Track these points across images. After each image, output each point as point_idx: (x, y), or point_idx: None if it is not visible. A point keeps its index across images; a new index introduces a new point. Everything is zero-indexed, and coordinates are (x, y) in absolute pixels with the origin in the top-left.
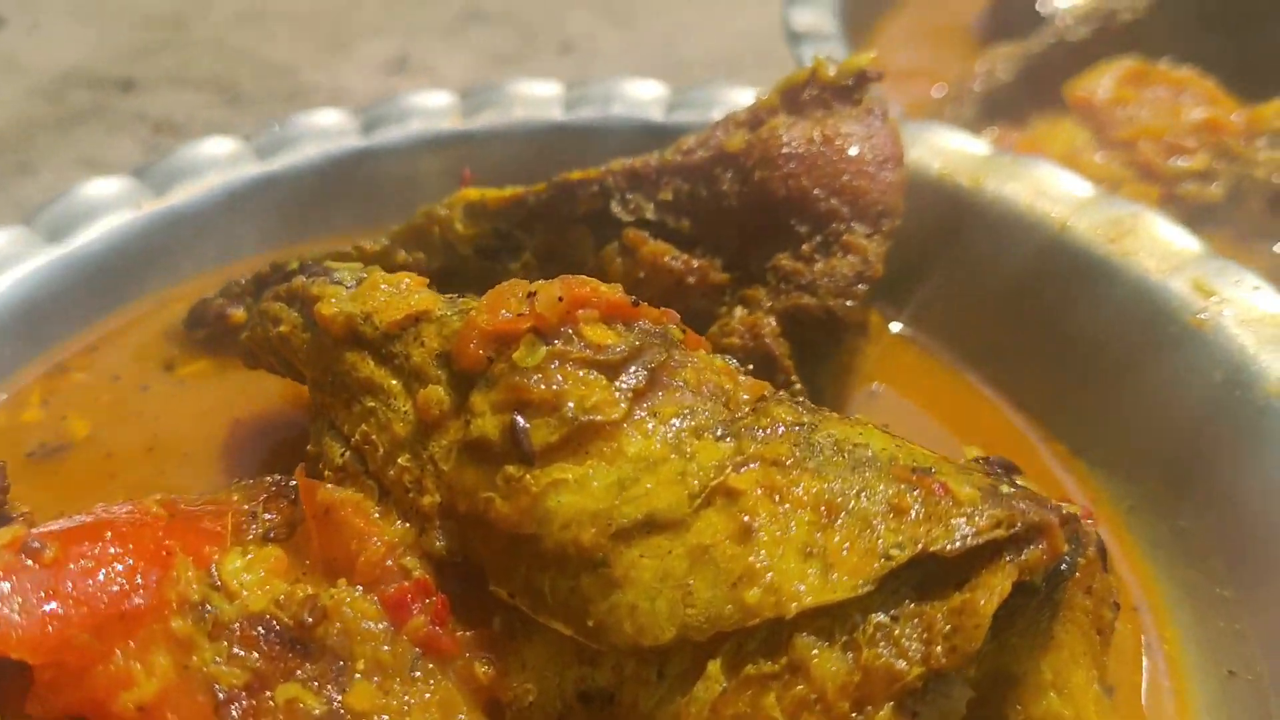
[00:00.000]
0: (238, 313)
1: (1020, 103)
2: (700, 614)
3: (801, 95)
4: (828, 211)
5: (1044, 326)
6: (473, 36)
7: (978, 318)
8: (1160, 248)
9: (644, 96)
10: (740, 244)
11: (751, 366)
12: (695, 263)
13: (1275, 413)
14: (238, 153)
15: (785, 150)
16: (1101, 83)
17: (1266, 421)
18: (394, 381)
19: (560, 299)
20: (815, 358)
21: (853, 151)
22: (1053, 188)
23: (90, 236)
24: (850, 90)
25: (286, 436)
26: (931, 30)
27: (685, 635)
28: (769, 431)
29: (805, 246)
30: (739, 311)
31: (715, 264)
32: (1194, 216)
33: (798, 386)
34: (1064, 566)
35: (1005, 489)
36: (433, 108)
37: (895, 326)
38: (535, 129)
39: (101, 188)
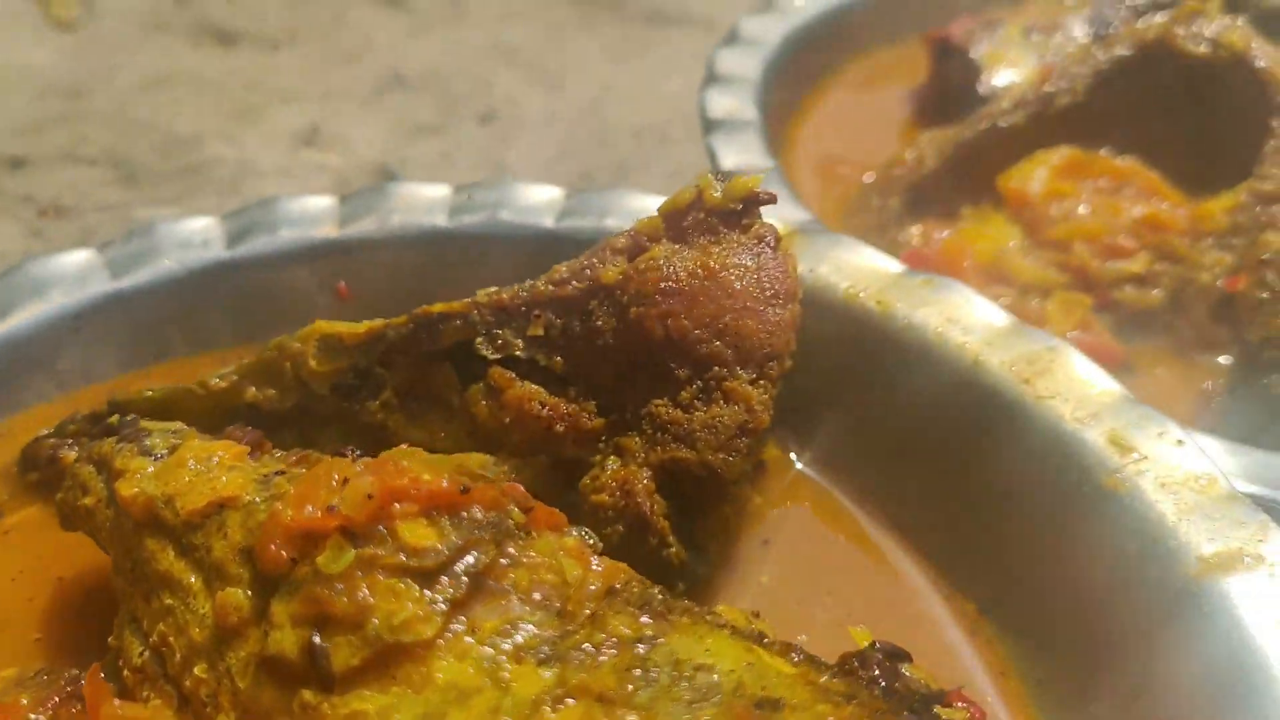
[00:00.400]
0: (71, 455)
1: (951, 194)
2: None
3: (685, 219)
4: (709, 354)
5: (953, 472)
6: (391, 104)
7: (883, 458)
8: (1077, 391)
9: (535, 201)
10: (617, 386)
11: (622, 528)
12: (565, 408)
13: (1193, 599)
14: (88, 266)
15: (664, 285)
16: (1036, 174)
17: (1183, 609)
18: (193, 578)
19: (370, 496)
20: (695, 515)
21: (738, 286)
22: (966, 315)
23: None
24: (738, 215)
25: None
26: (865, 109)
27: None
28: (599, 652)
29: (684, 393)
30: (612, 464)
31: (590, 408)
32: (1132, 324)
33: (673, 550)
34: None
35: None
36: (307, 213)
37: (796, 463)
38: (417, 237)
39: None
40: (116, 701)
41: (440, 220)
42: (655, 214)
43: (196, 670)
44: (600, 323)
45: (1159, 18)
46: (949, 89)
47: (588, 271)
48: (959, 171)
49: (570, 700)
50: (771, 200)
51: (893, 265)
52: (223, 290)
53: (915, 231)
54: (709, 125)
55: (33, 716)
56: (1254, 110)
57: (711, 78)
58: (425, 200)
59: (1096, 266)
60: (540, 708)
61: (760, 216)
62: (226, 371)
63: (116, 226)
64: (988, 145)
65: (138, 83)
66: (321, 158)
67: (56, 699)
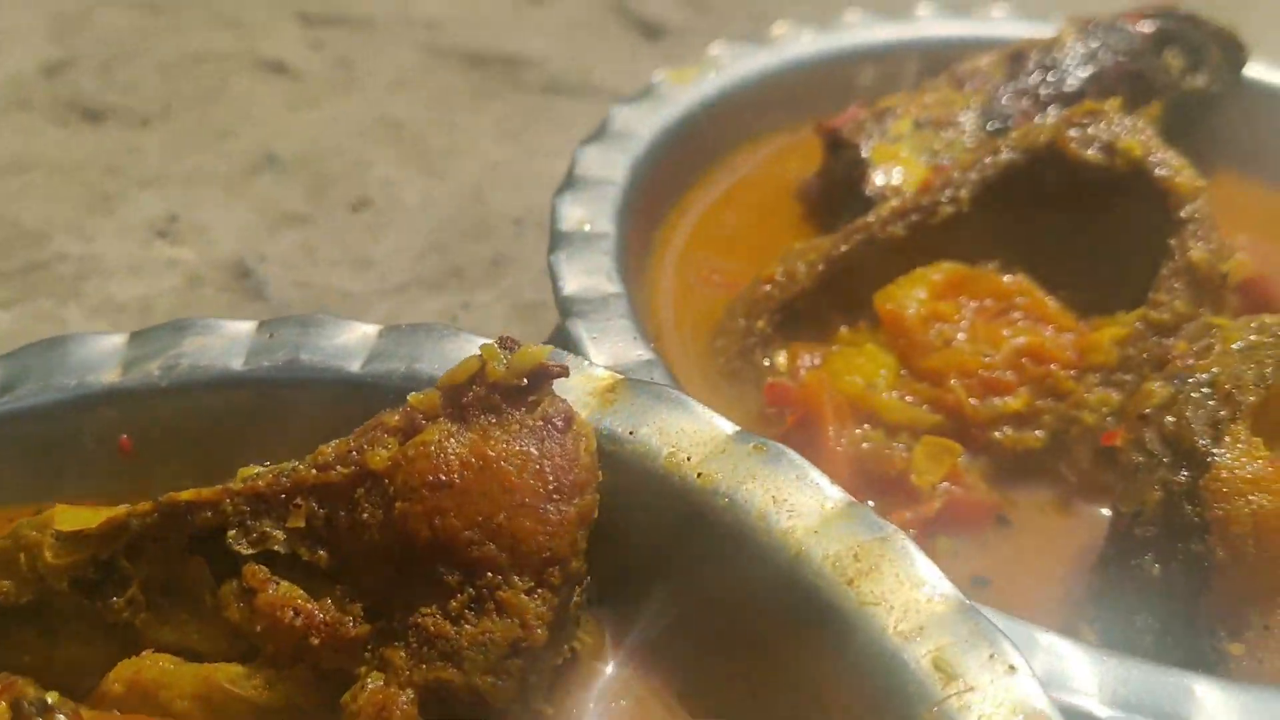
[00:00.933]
0: None
1: (826, 313)
2: None
3: (466, 395)
4: (480, 559)
5: (774, 680)
6: (260, 187)
7: (704, 654)
8: (905, 597)
9: (343, 341)
10: (387, 587)
11: None
12: (323, 616)
13: None
14: None
15: (433, 477)
16: (914, 294)
17: None
18: None
19: None
20: None
21: (516, 479)
22: (796, 494)
23: None
24: (524, 391)
25: None
26: (753, 209)
27: None
28: None
29: (455, 601)
30: (373, 680)
31: (355, 611)
32: (1011, 469)
33: None
34: None
35: None
36: (90, 356)
37: (609, 660)
38: (208, 383)
39: None
40: None
41: (236, 363)
42: (434, 388)
43: None
44: (366, 516)
45: (1053, 113)
46: (836, 187)
47: (355, 455)
48: (834, 288)
49: None
50: (563, 374)
51: (725, 427)
52: None
53: (781, 359)
54: (555, 239)
55: None
56: (1153, 225)
57: (569, 181)
58: (224, 340)
59: (972, 405)
60: None
61: (550, 392)
62: None
63: None
64: (865, 259)
65: None
66: (174, 252)
67: None
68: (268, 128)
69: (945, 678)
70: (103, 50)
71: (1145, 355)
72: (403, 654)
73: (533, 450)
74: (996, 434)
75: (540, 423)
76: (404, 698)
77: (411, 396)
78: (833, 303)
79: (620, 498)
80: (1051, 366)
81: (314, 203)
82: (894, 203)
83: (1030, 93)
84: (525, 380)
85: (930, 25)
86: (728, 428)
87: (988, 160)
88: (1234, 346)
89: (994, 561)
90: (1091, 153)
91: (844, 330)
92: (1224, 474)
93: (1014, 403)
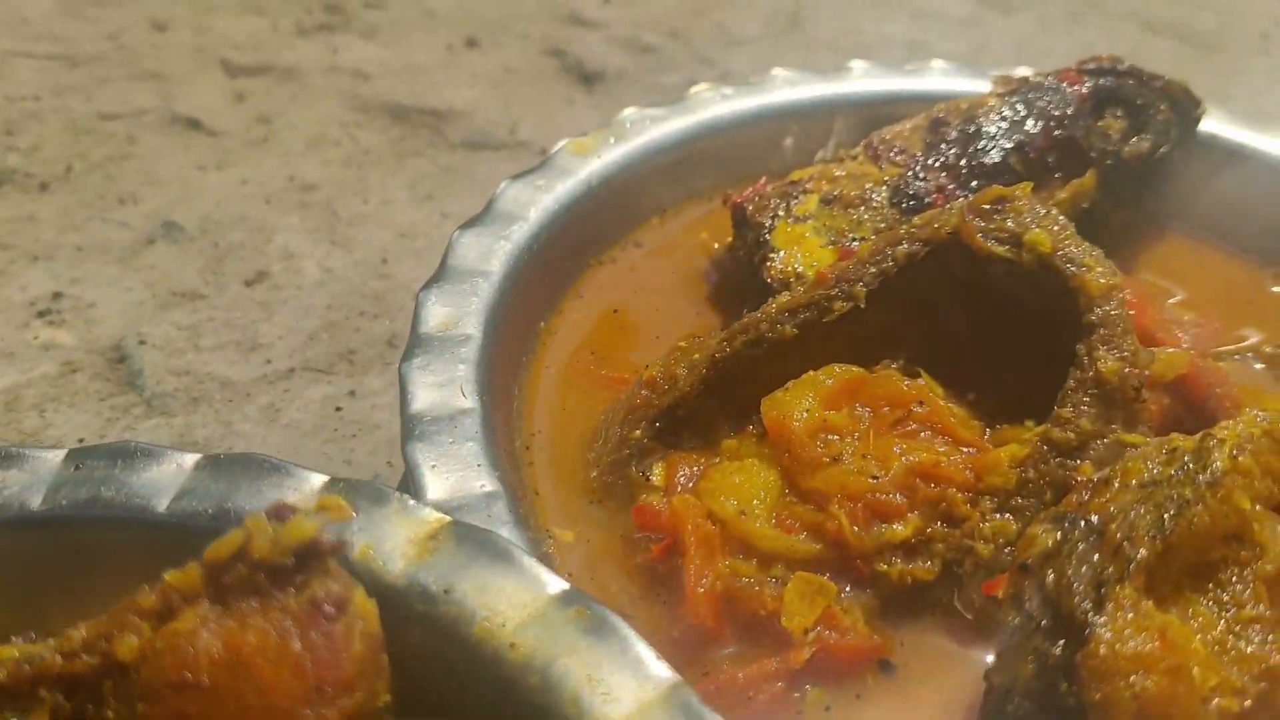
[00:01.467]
0: None
1: (712, 419)
2: None
3: (227, 575)
4: None
5: None
6: (154, 259)
7: None
8: None
9: (155, 475)
10: None
11: None
12: None
13: None
14: None
15: (177, 676)
16: (803, 401)
17: None
18: None
19: None
20: None
21: (273, 677)
22: (614, 673)
23: None
24: (292, 571)
25: None
26: (654, 292)
27: None
28: None
29: None
30: None
31: None
32: (898, 605)
33: None
34: None
35: None
36: None
37: None
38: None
39: None
40: None
41: (34, 501)
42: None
43: None
44: (112, 715)
45: (977, 187)
46: (741, 269)
47: (103, 643)
48: (720, 392)
49: None
50: (337, 551)
51: (550, 586)
52: None
53: (658, 473)
54: (411, 343)
55: None
56: (1067, 325)
57: (439, 273)
58: (26, 473)
59: (855, 533)
60: None
61: (323, 571)
62: None
63: None
64: (754, 361)
65: None
66: (52, 334)
67: None
68: (172, 192)
69: None
70: (9, 108)
71: (1045, 480)
72: None
73: (294, 643)
74: (883, 565)
75: (308, 608)
76: None
77: (168, 574)
78: (720, 408)
79: (432, 664)
80: (946, 488)
81: (208, 276)
82: (784, 298)
83: (950, 167)
84: (293, 558)
85: (860, 82)
86: (553, 587)
87: (887, 251)
88: (1134, 482)
89: (874, 715)
90: (996, 245)
91: (729, 441)
92: (1104, 649)
93: (903, 530)
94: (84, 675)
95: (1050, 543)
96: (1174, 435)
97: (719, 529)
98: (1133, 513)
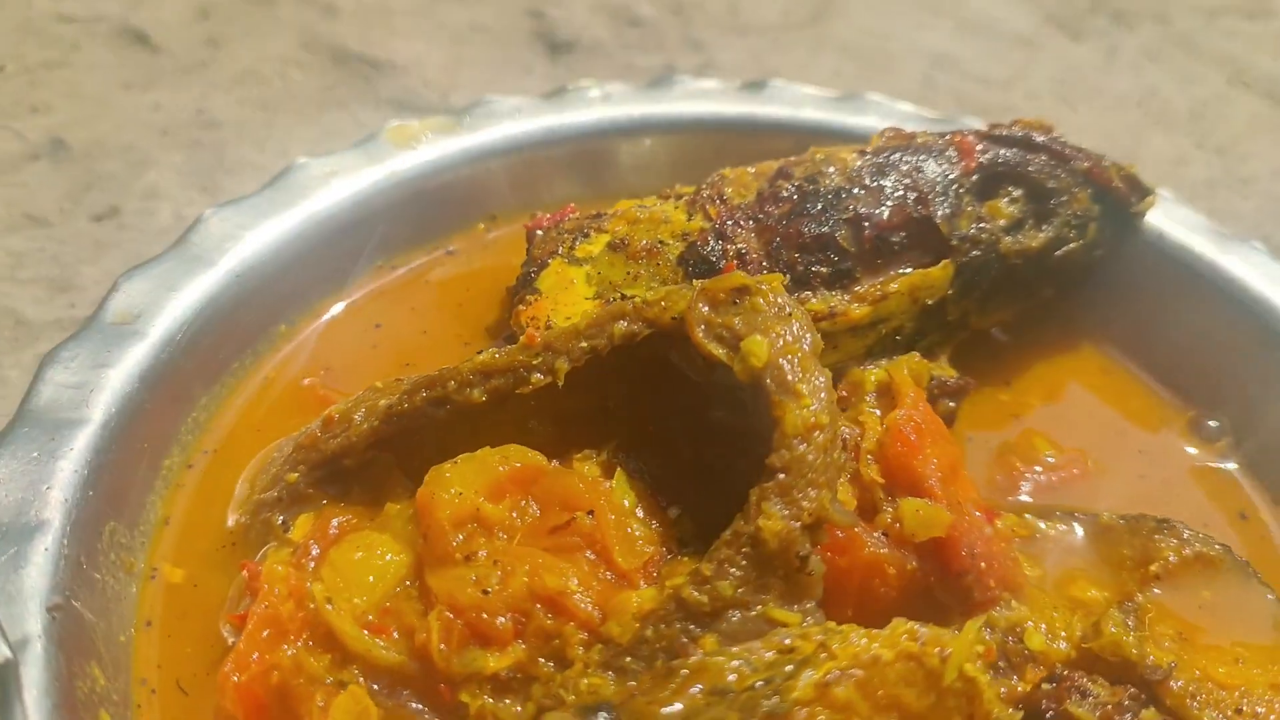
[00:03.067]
0: None
1: (384, 476)
2: None
3: None
4: None
5: None
6: (26, 178)
7: None
8: None
9: None
10: None
11: None
12: None
13: None
14: None
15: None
16: (467, 481)
17: None
18: None
19: None
20: None
21: None
22: None
23: None
24: None
25: None
26: (440, 308)
27: None
28: None
29: None
30: None
31: None
32: None
33: None
34: None
35: None
36: None
37: None
38: None
39: None
40: None
41: None
42: None
43: None
44: None
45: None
46: (515, 298)
47: None
48: (397, 449)
49: None
50: None
51: None
52: None
53: (302, 526)
54: (78, 331)
55: None
56: (759, 445)
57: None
58: None
59: (443, 653)
60: None
61: None
62: None
63: None
64: (436, 420)
65: None
66: None
67: None
68: (83, 109)
69: None
70: None
71: (661, 645)
72: None
73: None
74: (466, 696)
75: None
76: None
77: None
78: (398, 464)
79: None
80: (566, 623)
81: (65, 204)
82: (482, 357)
83: (764, 229)
84: None
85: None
86: None
87: (607, 326)
88: (702, 686)
89: None
90: (715, 345)
91: (393, 505)
92: None
93: (498, 661)
94: None
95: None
96: (798, 632)
97: (304, 609)
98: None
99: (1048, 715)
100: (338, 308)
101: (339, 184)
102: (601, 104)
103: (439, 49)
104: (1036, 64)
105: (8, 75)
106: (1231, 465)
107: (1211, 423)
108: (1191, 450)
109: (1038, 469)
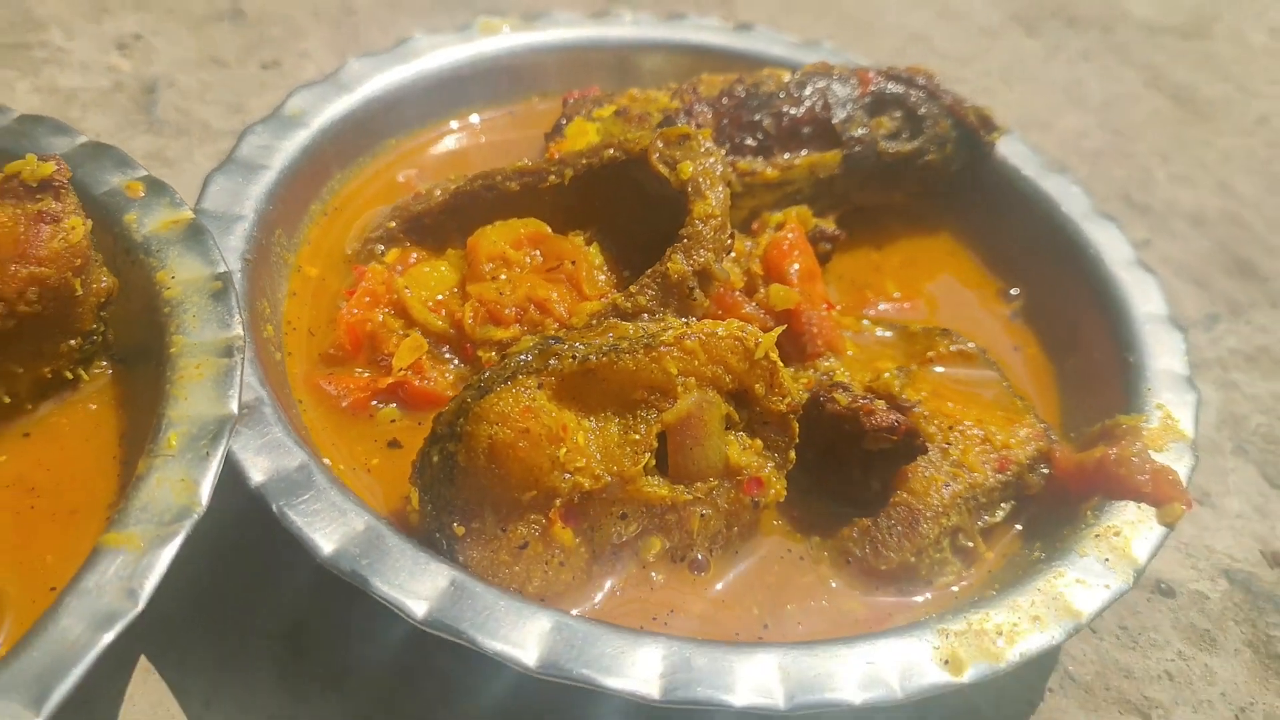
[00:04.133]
0: None
1: (445, 231)
2: None
3: (10, 183)
4: None
5: None
6: (212, 33)
7: None
8: None
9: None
10: None
11: None
12: None
13: None
14: None
15: None
16: (500, 236)
17: None
18: None
19: None
20: None
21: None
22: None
23: None
24: (36, 191)
25: None
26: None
27: None
28: None
29: None
30: None
31: None
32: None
33: None
34: None
35: None
36: None
37: None
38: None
39: None
40: None
41: None
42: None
43: None
44: None
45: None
46: (547, 142)
47: None
48: (458, 214)
49: None
50: (63, 180)
51: (218, 266)
52: None
53: (391, 253)
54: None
55: None
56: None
57: (271, 115)
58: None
59: (471, 324)
60: None
61: (59, 197)
62: None
63: None
64: (485, 200)
65: None
66: (118, 62)
67: None
68: None
69: None
70: None
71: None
72: None
73: (21, 226)
74: (482, 352)
75: (37, 213)
76: None
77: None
78: (455, 224)
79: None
80: (546, 318)
81: (241, 54)
82: (519, 163)
83: (718, 112)
84: (37, 184)
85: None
86: (215, 268)
87: (599, 152)
88: (610, 335)
89: (414, 431)
90: (663, 166)
91: (451, 251)
92: (487, 403)
93: (503, 333)
94: None
95: (527, 345)
96: (676, 321)
97: (390, 295)
98: (578, 344)
99: (819, 398)
100: (431, 134)
101: (442, 53)
102: (631, 26)
103: None
104: (992, 50)
105: None
106: (1019, 319)
107: (1013, 290)
108: (998, 308)
109: (884, 303)
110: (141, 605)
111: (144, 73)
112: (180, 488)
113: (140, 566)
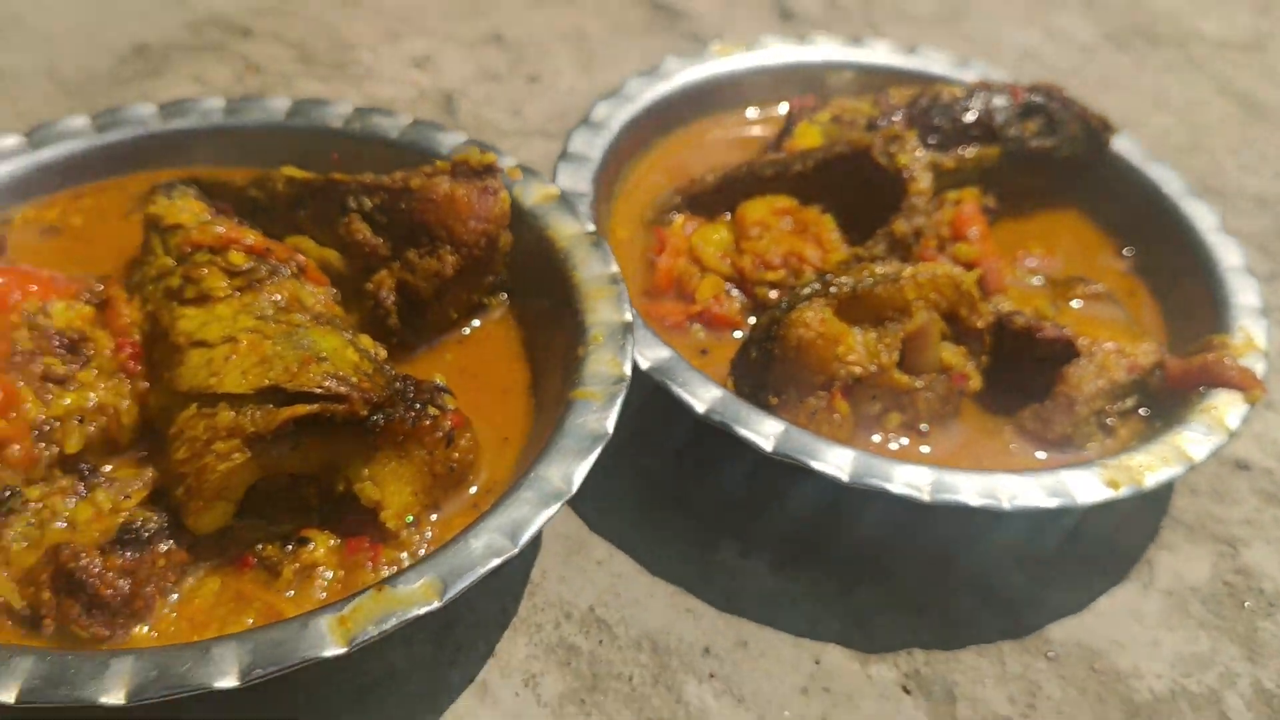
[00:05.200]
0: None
1: (716, 204)
2: None
3: (460, 168)
4: (435, 238)
5: None
6: (482, 54)
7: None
8: None
9: (388, 125)
10: (397, 238)
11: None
12: (375, 240)
13: None
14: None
15: (430, 196)
16: (762, 207)
17: None
18: (161, 256)
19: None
20: (415, 312)
21: (461, 206)
22: (600, 268)
23: None
24: (480, 173)
25: None
26: (738, 145)
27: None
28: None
29: (422, 251)
30: (383, 272)
31: (384, 244)
32: (759, 309)
33: (393, 323)
34: (373, 420)
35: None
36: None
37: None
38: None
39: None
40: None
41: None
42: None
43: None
44: (402, 204)
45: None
46: (779, 141)
47: (413, 178)
48: (726, 192)
49: (258, 322)
50: (495, 170)
51: (587, 227)
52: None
53: (679, 219)
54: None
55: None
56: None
57: (583, 121)
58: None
59: (749, 269)
60: (242, 319)
61: (495, 176)
62: (244, 181)
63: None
64: (748, 181)
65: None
66: (418, 77)
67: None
68: (512, 16)
69: None
70: None
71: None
72: (395, 266)
73: (475, 196)
74: (759, 290)
75: (484, 187)
76: (391, 281)
77: (439, 163)
78: (723, 201)
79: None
80: (804, 264)
81: (519, 70)
82: (772, 155)
83: (908, 117)
84: (482, 168)
85: (918, 60)
86: (587, 228)
87: (832, 148)
88: (853, 273)
89: (719, 344)
90: (881, 157)
91: (724, 217)
92: (794, 315)
93: (773, 275)
94: (394, 187)
95: (810, 280)
96: (908, 266)
97: (688, 249)
98: (845, 280)
99: (1003, 319)
100: (685, 134)
101: (689, 71)
102: (826, 49)
103: (716, 6)
104: (1091, 64)
105: None
106: (1131, 271)
107: (1125, 250)
108: (1115, 263)
109: (1030, 259)
110: (609, 433)
111: (440, 85)
112: (611, 364)
113: (604, 409)
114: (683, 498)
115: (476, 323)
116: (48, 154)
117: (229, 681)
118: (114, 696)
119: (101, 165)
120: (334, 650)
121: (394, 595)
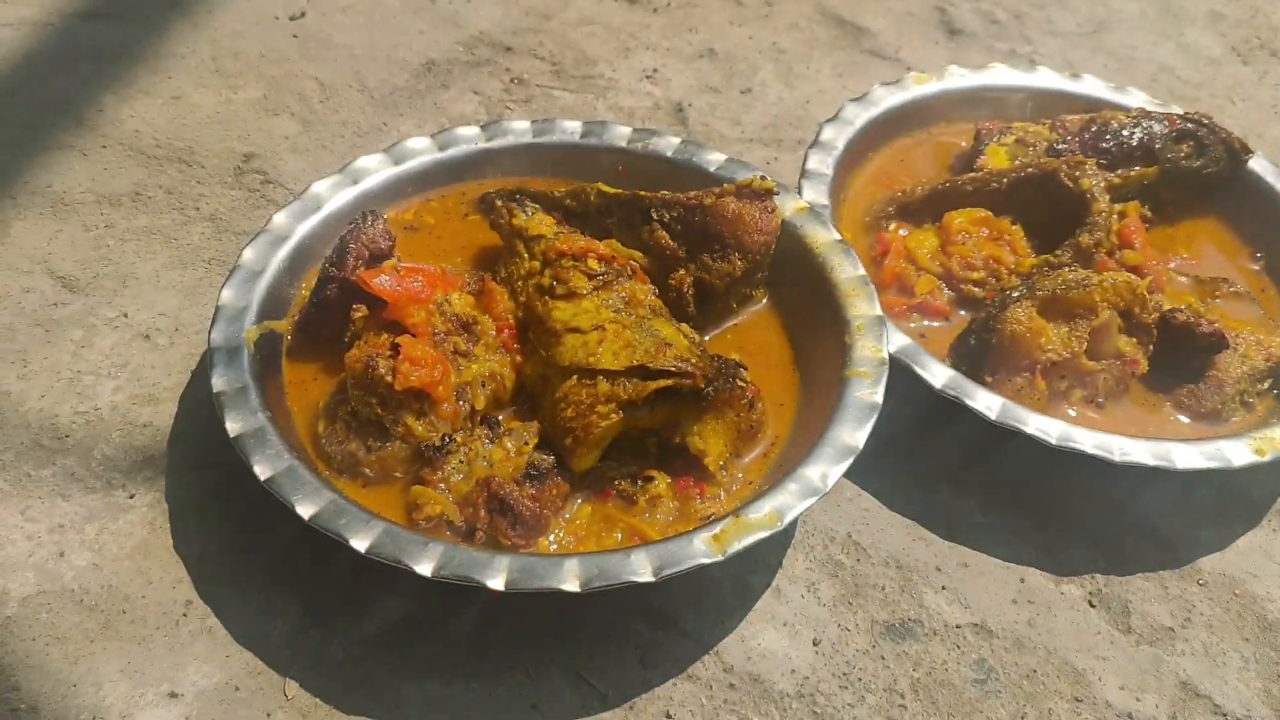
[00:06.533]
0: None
1: (923, 214)
2: None
3: (744, 190)
4: (726, 245)
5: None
6: (697, 68)
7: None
8: None
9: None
10: (691, 243)
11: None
12: (674, 245)
13: None
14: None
15: (722, 213)
16: (963, 219)
17: None
18: (527, 260)
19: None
20: (705, 304)
21: (748, 221)
22: (849, 265)
23: None
24: (761, 195)
25: None
26: (929, 160)
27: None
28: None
29: (715, 255)
30: (681, 271)
31: (681, 249)
32: (965, 304)
33: (691, 311)
34: (707, 390)
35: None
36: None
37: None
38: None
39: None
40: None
41: (669, 151)
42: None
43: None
44: (696, 218)
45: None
46: (968, 156)
47: (704, 197)
48: (932, 202)
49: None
50: (773, 192)
51: (833, 235)
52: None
53: (893, 226)
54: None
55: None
56: (1081, 219)
57: (814, 142)
58: (662, 140)
59: (956, 269)
60: (603, 311)
61: (772, 198)
62: (561, 191)
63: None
64: (951, 194)
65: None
66: (650, 88)
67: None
68: (713, 30)
69: None
70: None
71: (1038, 275)
72: (691, 267)
73: (757, 213)
74: (964, 286)
75: (764, 206)
76: (689, 279)
77: (725, 185)
78: (929, 210)
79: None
80: (1000, 266)
81: (724, 83)
82: (973, 174)
83: (1082, 142)
84: (763, 191)
85: (1083, 85)
86: (834, 236)
87: (1023, 169)
88: (1059, 279)
89: (932, 330)
90: (1067, 180)
91: (929, 224)
92: (1007, 313)
93: (975, 275)
94: (687, 203)
95: (1017, 284)
96: (1093, 273)
97: (908, 252)
98: (1046, 285)
99: (1167, 315)
100: (889, 149)
101: (894, 96)
102: (1004, 75)
103: (891, 23)
104: (1218, 77)
105: (670, 7)
106: (1263, 273)
107: (1258, 254)
108: (1249, 265)
109: (1177, 260)
110: (879, 403)
111: (670, 96)
112: (874, 350)
113: (874, 385)
114: (909, 451)
115: (746, 313)
116: (405, 168)
117: (645, 577)
118: (570, 585)
119: (444, 175)
120: (714, 558)
121: (748, 520)
